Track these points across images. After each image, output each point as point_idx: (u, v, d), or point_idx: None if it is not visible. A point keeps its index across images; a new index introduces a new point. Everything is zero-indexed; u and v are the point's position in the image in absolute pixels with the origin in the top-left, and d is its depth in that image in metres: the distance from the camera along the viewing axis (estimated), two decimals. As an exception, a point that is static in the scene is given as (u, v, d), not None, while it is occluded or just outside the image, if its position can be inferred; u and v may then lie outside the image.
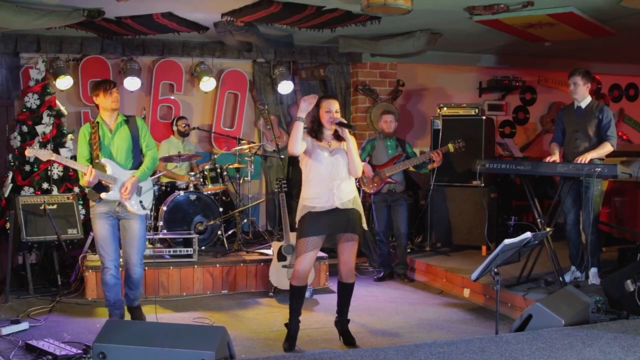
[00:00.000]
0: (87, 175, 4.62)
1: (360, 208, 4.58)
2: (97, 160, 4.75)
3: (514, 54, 8.86)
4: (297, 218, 4.54)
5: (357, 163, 4.51)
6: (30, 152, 4.74)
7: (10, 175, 6.56)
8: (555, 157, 5.60)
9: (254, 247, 6.88)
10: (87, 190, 4.96)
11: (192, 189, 6.81)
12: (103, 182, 4.72)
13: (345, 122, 4.49)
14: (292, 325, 4.56)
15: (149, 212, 5.39)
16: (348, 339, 4.62)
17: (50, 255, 6.21)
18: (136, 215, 4.87)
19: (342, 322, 4.68)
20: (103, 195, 4.73)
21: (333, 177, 4.45)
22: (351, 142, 4.46)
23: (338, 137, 4.52)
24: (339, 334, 4.69)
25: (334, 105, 4.47)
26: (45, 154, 4.69)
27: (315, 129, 4.52)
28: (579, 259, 5.65)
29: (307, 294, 5.82)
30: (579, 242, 5.68)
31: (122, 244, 4.91)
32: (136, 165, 4.92)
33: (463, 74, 9.17)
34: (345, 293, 4.65)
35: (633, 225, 6.78)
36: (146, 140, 4.98)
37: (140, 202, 4.92)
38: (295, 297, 4.58)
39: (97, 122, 4.86)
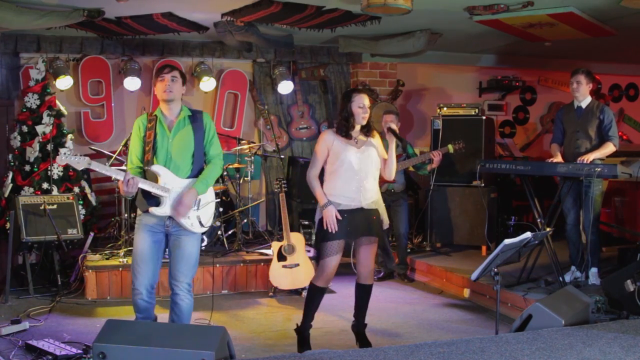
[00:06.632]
0: (124, 185, 3.81)
1: (382, 208, 4.48)
2: (147, 167, 3.96)
3: (514, 54, 8.86)
4: (317, 214, 4.36)
5: (393, 168, 4.48)
6: (63, 161, 3.85)
7: (10, 175, 6.55)
8: (558, 158, 5.59)
9: (254, 247, 6.87)
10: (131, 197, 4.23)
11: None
12: (153, 193, 3.95)
13: (397, 132, 4.49)
14: (307, 330, 4.46)
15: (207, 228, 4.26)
16: (364, 343, 4.52)
17: (50, 255, 6.21)
18: (190, 231, 4.06)
19: (359, 325, 4.59)
20: (152, 209, 3.93)
21: (360, 175, 4.31)
22: (393, 147, 4.44)
23: (366, 132, 4.43)
24: (355, 338, 4.59)
25: (366, 100, 4.40)
26: (81, 162, 3.85)
27: (346, 125, 4.37)
28: (579, 259, 5.65)
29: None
30: (579, 242, 5.68)
31: (170, 263, 4.07)
32: (196, 173, 4.06)
33: (463, 74, 9.16)
34: (363, 295, 4.56)
35: (633, 225, 6.80)
36: (212, 143, 4.11)
37: (198, 217, 4.06)
38: (316, 299, 4.45)
39: (156, 116, 4.02)
